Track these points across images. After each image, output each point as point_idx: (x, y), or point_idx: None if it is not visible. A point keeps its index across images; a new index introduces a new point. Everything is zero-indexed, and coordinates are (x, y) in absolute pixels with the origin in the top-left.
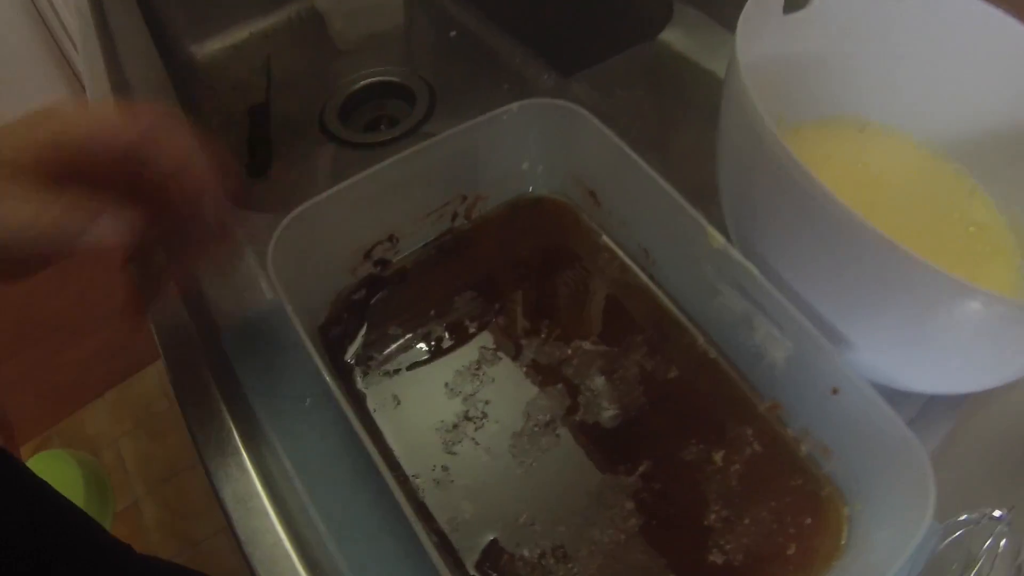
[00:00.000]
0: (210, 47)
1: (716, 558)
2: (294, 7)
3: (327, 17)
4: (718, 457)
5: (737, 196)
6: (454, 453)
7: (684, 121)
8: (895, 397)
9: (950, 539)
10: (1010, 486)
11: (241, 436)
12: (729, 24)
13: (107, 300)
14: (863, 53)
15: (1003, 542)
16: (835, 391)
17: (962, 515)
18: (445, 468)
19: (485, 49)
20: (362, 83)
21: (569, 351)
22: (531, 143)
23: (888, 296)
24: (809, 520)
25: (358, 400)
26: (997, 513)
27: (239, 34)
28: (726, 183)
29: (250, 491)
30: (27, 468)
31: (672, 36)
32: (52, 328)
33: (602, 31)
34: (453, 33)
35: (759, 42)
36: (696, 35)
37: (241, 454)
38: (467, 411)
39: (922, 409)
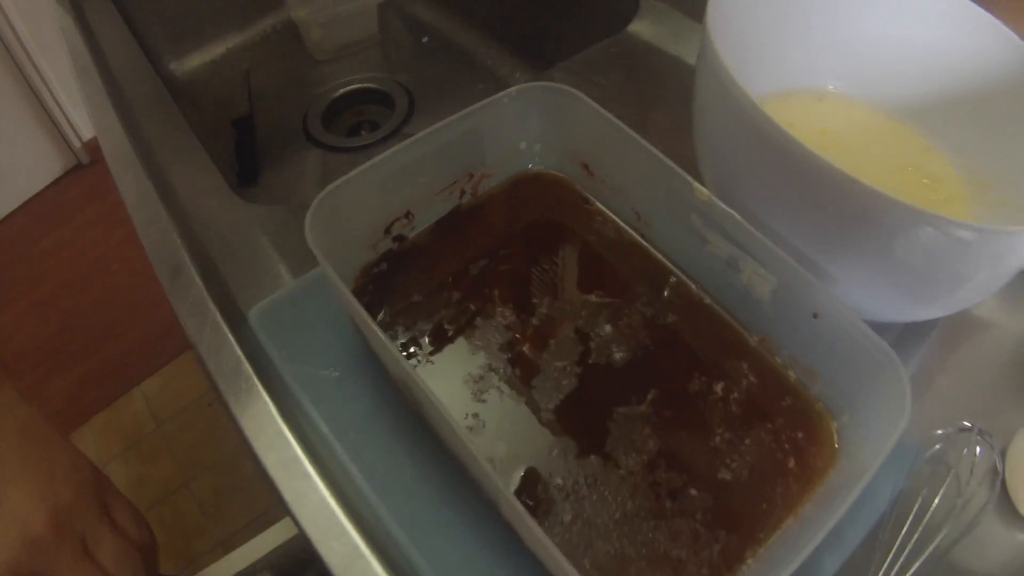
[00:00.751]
0: (190, 63)
1: (725, 475)
2: (269, 20)
3: (303, 28)
4: (718, 388)
5: (716, 159)
6: (483, 401)
7: (659, 102)
8: (872, 328)
9: (930, 452)
10: (980, 403)
11: (278, 409)
12: (692, 12)
13: (90, 329)
14: (819, 29)
15: (978, 450)
16: (816, 315)
17: (938, 430)
18: (476, 415)
19: (458, 51)
20: (342, 90)
21: (577, 305)
22: (529, 123)
23: (856, 230)
24: (802, 435)
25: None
26: (967, 424)
27: (217, 49)
28: (705, 149)
29: (291, 456)
30: None
31: (640, 27)
32: (36, 359)
33: (572, 27)
34: (426, 38)
35: (724, 24)
36: (663, 24)
37: (279, 424)
38: (490, 363)
39: (898, 338)
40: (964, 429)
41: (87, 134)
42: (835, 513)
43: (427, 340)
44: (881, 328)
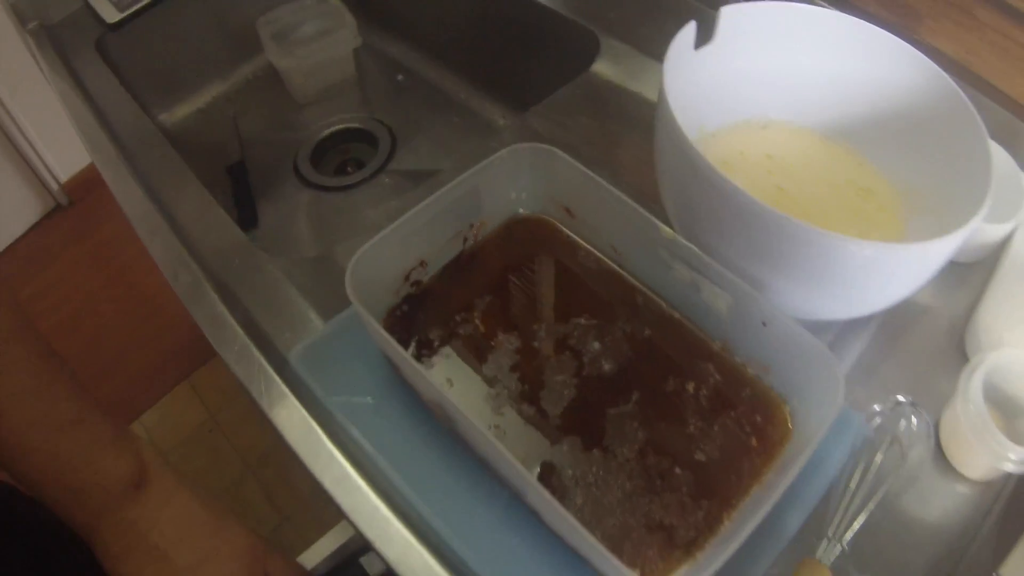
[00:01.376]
0: (178, 114)
1: (701, 456)
2: (250, 68)
3: (285, 75)
4: (690, 386)
5: (674, 194)
6: (501, 414)
7: (625, 138)
8: (817, 326)
9: (875, 424)
10: (917, 380)
11: (327, 434)
12: (650, 52)
13: (84, 369)
14: (760, 68)
15: (914, 420)
16: (764, 323)
17: (876, 406)
18: (497, 426)
19: (432, 87)
20: (326, 131)
21: (569, 327)
22: (518, 177)
23: (792, 253)
24: (760, 418)
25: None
26: (901, 398)
27: (203, 98)
28: (665, 184)
29: (344, 474)
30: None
31: (602, 67)
32: None
33: (538, 66)
34: (400, 77)
35: (680, 71)
36: (623, 64)
37: (330, 448)
38: (503, 382)
39: (839, 332)
40: (899, 403)
41: (64, 175)
42: (787, 477)
43: (447, 367)
44: (825, 324)
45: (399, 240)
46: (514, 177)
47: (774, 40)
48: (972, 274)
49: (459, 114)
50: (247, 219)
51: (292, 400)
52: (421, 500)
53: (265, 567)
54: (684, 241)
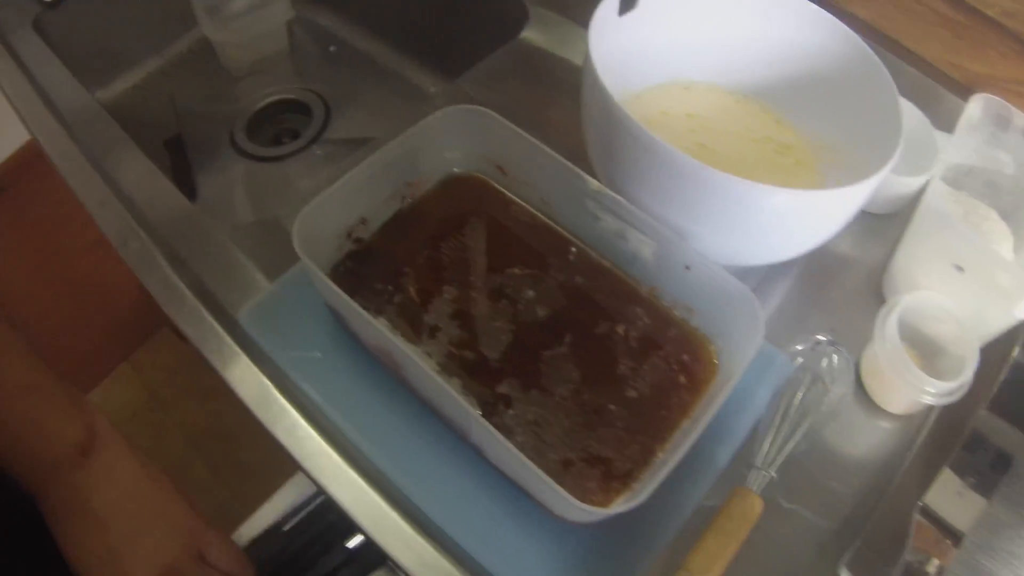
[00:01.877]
0: (115, 89)
1: (632, 394)
2: (185, 42)
3: (219, 48)
4: (620, 329)
5: (600, 150)
6: (443, 361)
7: (555, 101)
8: (741, 271)
9: (799, 362)
10: (838, 321)
11: (278, 388)
12: (577, 18)
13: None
14: (682, 33)
15: (835, 358)
16: (687, 267)
17: (798, 345)
18: (440, 372)
19: (364, 57)
20: (261, 103)
21: (505, 277)
22: (452, 137)
23: (711, 201)
24: (686, 357)
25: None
26: (821, 338)
27: (139, 74)
28: (591, 142)
29: (294, 423)
30: None
31: (531, 34)
32: None
33: (468, 34)
34: (333, 48)
35: (605, 36)
36: (552, 31)
37: (281, 401)
38: (443, 331)
39: (763, 278)
40: (820, 342)
41: None
42: (712, 409)
43: (391, 319)
44: (749, 270)
45: (341, 199)
46: (448, 137)
47: (696, 6)
48: (889, 225)
49: (391, 83)
50: (186, 192)
51: (244, 358)
52: (370, 446)
53: (201, 546)
54: (610, 192)
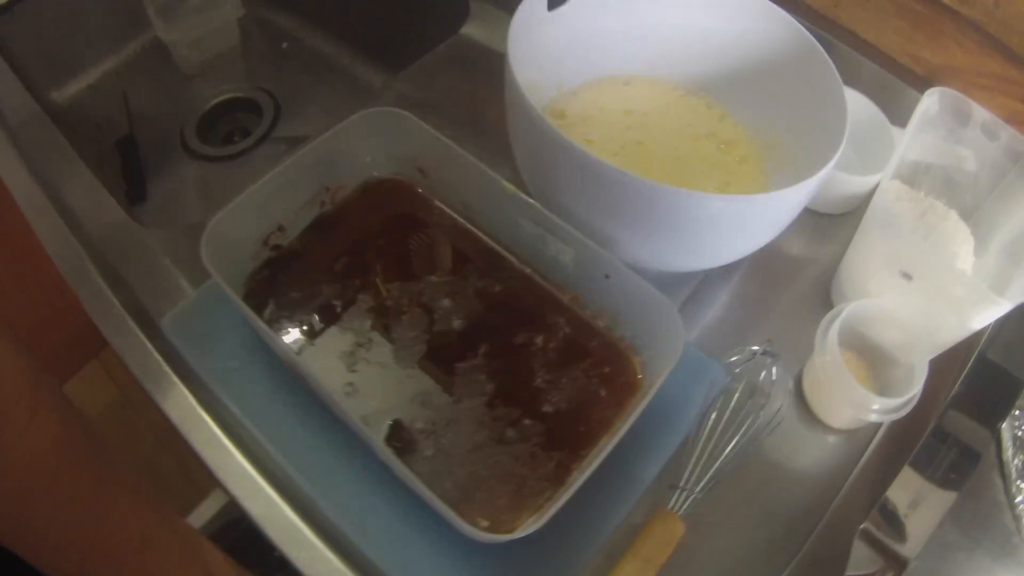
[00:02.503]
0: (69, 91)
1: (549, 408)
2: (139, 42)
3: (171, 47)
4: (539, 339)
5: (524, 154)
6: (355, 371)
7: (491, 98)
8: (678, 276)
9: (737, 372)
10: (781, 329)
11: (196, 398)
12: None
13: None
14: (620, 25)
15: (775, 370)
16: (607, 276)
17: (733, 356)
18: (351, 383)
19: (316, 55)
20: (212, 102)
21: (422, 285)
22: (371, 140)
23: (633, 207)
24: (608, 369)
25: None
26: (755, 347)
27: (93, 74)
28: (516, 145)
29: (211, 434)
30: None
31: (472, 30)
32: None
33: (411, 31)
34: (285, 45)
35: (536, 29)
36: (492, 26)
37: (198, 409)
38: (358, 340)
39: (702, 282)
40: (756, 352)
41: None
42: (627, 422)
43: (307, 328)
44: (687, 275)
45: (254, 206)
46: (366, 141)
47: None
48: (842, 226)
49: (341, 79)
50: (136, 193)
51: (165, 368)
52: (284, 458)
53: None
54: (525, 197)
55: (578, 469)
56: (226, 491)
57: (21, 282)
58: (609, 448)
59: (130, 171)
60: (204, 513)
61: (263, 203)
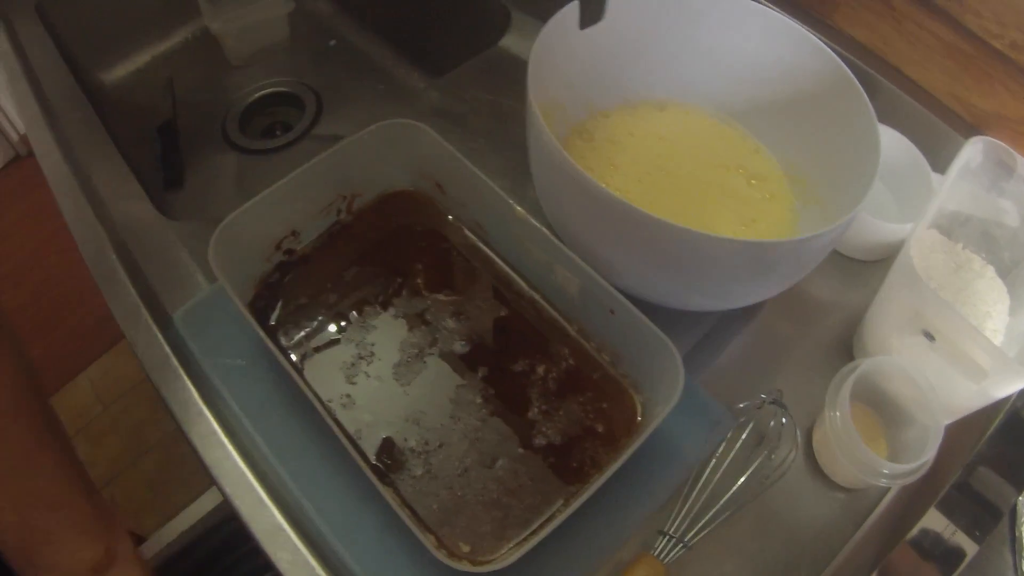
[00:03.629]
0: (116, 73)
1: (542, 440)
2: (188, 29)
3: (220, 37)
4: (540, 369)
5: (539, 177)
6: (354, 383)
7: (522, 113)
8: (695, 314)
9: (743, 420)
10: (796, 378)
11: (199, 393)
12: None
13: (31, 320)
14: (658, 49)
15: (784, 420)
16: (612, 312)
17: (742, 403)
18: (348, 395)
19: (360, 54)
20: (256, 95)
21: (429, 302)
22: (389, 152)
23: (644, 243)
24: (606, 405)
25: (284, 352)
26: (763, 395)
27: (141, 58)
28: (533, 167)
29: (210, 430)
30: None
31: (511, 41)
32: None
33: (453, 38)
34: (332, 42)
35: (566, 47)
36: (530, 39)
37: (199, 404)
38: (359, 353)
39: (718, 321)
40: (764, 400)
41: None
42: (618, 461)
43: (311, 335)
44: (699, 316)
45: (267, 210)
46: (385, 152)
47: (674, 20)
48: (872, 273)
49: (383, 81)
50: (173, 179)
51: (173, 361)
52: (278, 461)
53: None
54: (535, 223)
55: (565, 505)
56: (218, 487)
57: (61, 255)
58: (596, 487)
59: (169, 157)
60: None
61: (275, 207)
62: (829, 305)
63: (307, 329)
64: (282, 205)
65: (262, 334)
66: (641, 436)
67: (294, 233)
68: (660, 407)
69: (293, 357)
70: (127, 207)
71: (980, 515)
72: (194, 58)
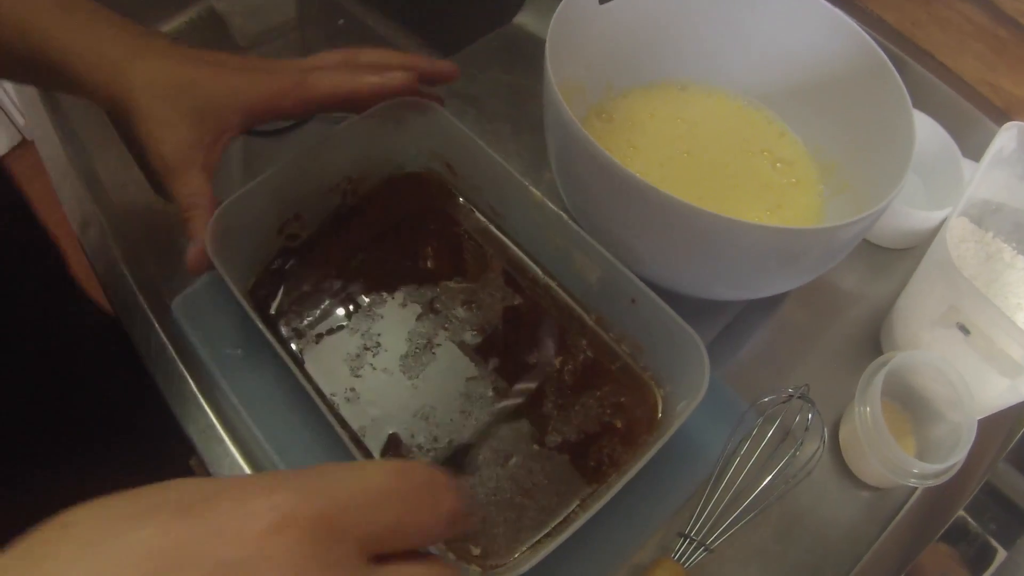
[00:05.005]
0: None
1: (556, 437)
2: (194, 9)
3: (226, 16)
4: (557, 361)
5: (557, 157)
6: (359, 376)
7: (538, 94)
8: (716, 303)
9: (768, 414)
10: (822, 371)
11: (196, 382)
12: None
13: None
14: (680, 27)
15: (810, 416)
16: (633, 301)
17: (767, 396)
18: (353, 388)
19: (370, 34)
20: None
21: (438, 290)
22: (398, 131)
23: (667, 228)
24: (625, 399)
25: (284, 343)
26: (790, 390)
27: None
28: (552, 153)
29: (208, 423)
30: None
31: (526, 19)
32: None
33: (466, 15)
34: (341, 21)
35: (585, 24)
36: (546, 16)
37: (198, 397)
38: (365, 343)
39: (742, 311)
40: (791, 395)
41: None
42: (639, 463)
43: (313, 324)
44: (723, 305)
45: (268, 193)
46: (393, 131)
47: None
48: (900, 261)
49: None
50: None
51: (170, 349)
52: (279, 457)
53: None
54: (552, 207)
55: (582, 507)
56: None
57: (71, 239)
58: (616, 489)
59: None
60: None
61: (278, 191)
62: (855, 295)
63: (310, 318)
64: (284, 188)
65: (260, 324)
66: (663, 436)
67: (297, 216)
68: (683, 403)
69: (295, 347)
70: (128, 193)
71: (1009, 517)
72: (200, 39)
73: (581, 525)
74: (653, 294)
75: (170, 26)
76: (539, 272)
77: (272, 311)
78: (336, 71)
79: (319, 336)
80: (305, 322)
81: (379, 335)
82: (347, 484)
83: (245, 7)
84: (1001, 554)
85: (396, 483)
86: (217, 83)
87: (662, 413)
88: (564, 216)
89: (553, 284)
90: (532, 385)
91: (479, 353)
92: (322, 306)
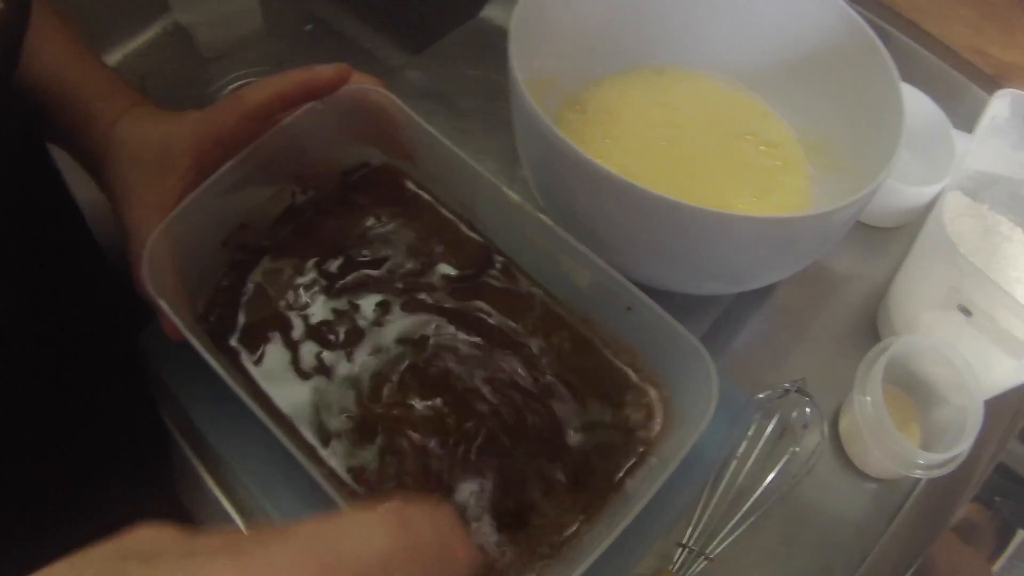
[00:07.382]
0: None
1: (553, 451)
2: (159, 24)
3: (191, 29)
4: (549, 372)
5: (526, 155)
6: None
7: (506, 89)
8: (699, 299)
9: (766, 409)
10: (818, 361)
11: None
12: None
13: None
14: (653, 7)
15: (808, 410)
16: (629, 308)
17: (760, 394)
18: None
19: (339, 37)
20: (232, 86)
21: (410, 290)
22: (350, 123)
23: (647, 223)
24: (628, 412)
25: (244, 372)
26: (787, 385)
27: (114, 56)
28: (522, 150)
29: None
30: None
31: (494, 12)
32: None
33: (433, 12)
34: (309, 26)
35: (552, 10)
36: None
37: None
38: (333, 358)
39: (731, 304)
40: (788, 390)
41: None
42: (655, 484)
43: (277, 343)
44: (710, 300)
45: (209, 205)
46: (344, 123)
47: None
48: (892, 240)
49: (365, 62)
50: None
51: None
52: (250, 478)
53: None
54: (531, 209)
55: (588, 522)
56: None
57: None
58: (636, 511)
59: None
60: None
61: (220, 200)
62: (848, 277)
63: (273, 338)
64: (224, 198)
65: (215, 364)
66: (675, 459)
67: (243, 227)
68: (688, 410)
69: (256, 374)
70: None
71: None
72: (167, 54)
73: (569, 541)
74: (653, 303)
75: (136, 43)
76: (520, 276)
77: (232, 341)
78: (267, 78)
79: (278, 353)
80: (269, 343)
81: (350, 347)
82: (353, 548)
83: (209, 19)
84: (1020, 534)
85: (403, 539)
86: (174, 128)
87: (661, 426)
88: (546, 220)
89: (537, 291)
90: (522, 396)
91: (467, 364)
92: (280, 320)
